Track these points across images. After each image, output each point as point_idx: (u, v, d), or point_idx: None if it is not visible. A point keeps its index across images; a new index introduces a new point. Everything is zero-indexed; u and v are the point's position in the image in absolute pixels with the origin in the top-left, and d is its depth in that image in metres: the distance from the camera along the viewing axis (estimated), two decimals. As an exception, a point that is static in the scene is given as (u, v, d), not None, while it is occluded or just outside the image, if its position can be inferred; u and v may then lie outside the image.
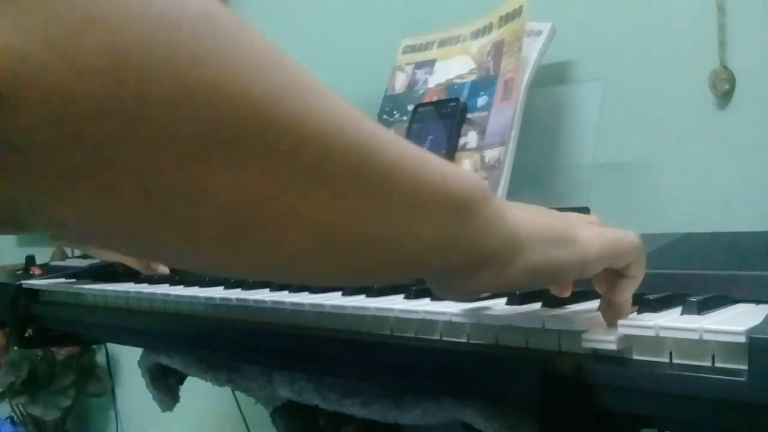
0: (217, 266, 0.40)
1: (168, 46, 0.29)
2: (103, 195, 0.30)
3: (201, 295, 0.82)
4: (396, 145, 0.40)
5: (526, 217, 0.49)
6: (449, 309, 0.59)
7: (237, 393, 1.48)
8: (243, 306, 0.77)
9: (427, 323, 0.61)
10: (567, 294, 0.58)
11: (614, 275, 0.54)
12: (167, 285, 0.96)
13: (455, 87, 1.12)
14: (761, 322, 0.47)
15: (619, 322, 0.50)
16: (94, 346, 2.13)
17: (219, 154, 0.31)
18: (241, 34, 0.33)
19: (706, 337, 0.46)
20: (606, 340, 0.50)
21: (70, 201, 0.30)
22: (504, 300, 0.62)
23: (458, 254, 0.46)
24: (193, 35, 0.30)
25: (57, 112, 0.27)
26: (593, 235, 0.52)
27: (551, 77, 1.12)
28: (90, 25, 0.27)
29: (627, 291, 0.54)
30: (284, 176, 0.34)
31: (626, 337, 0.50)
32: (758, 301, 0.60)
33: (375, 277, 0.50)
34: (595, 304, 0.59)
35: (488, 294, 0.62)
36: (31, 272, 1.27)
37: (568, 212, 0.56)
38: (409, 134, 1.11)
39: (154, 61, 0.29)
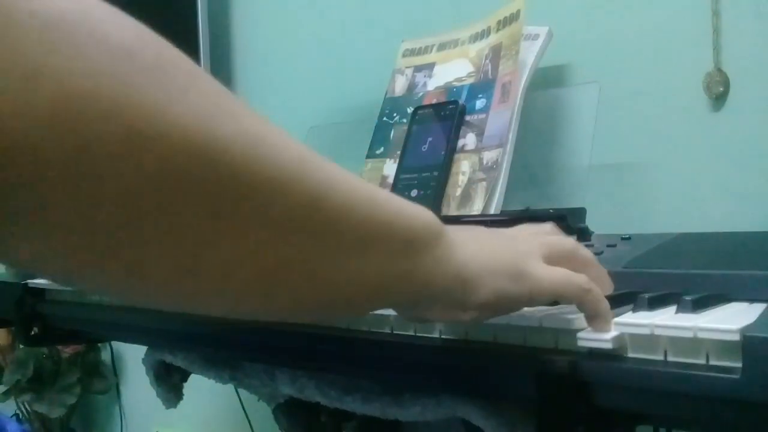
0: (163, 304, 0.39)
1: (113, 98, 0.29)
2: (48, 236, 0.31)
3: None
4: (348, 187, 0.40)
5: (477, 251, 0.50)
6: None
7: (240, 390, 1.48)
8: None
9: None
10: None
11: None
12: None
13: (454, 90, 1.13)
14: (755, 321, 0.48)
15: (615, 320, 0.51)
16: (99, 344, 2.11)
17: (163, 201, 0.32)
18: (193, 84, 0.33)
19: (701, 335, 0.46)
20: (601, 339, 0.51)
21: (21, 238, 0.30)
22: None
23: (408, 293, 0.47)
24: (140, 85, 0.30)
25: (4, 165, 0.27)
26: (544, 273, 0.52)
27: (548, 80, 1.13)
28: (35, 79, 0.27)
29: (597, 323, 0.53)
30: (233, 220, 0.35)
31: (621, 336, 0.51)
32: (752, 300, 0.60)
33: (327, 313, 0.50)
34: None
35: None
36: (36, 271, 1.27)
37: (518, 232, 0.57)
38: (409, 136, 1.12)
39: (97, 112, 0.29)
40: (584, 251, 0.57)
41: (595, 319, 0.52)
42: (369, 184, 0.43)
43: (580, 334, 0.52)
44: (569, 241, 0.57)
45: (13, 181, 0.28)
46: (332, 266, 0.41)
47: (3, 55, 0.27)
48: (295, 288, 0.40)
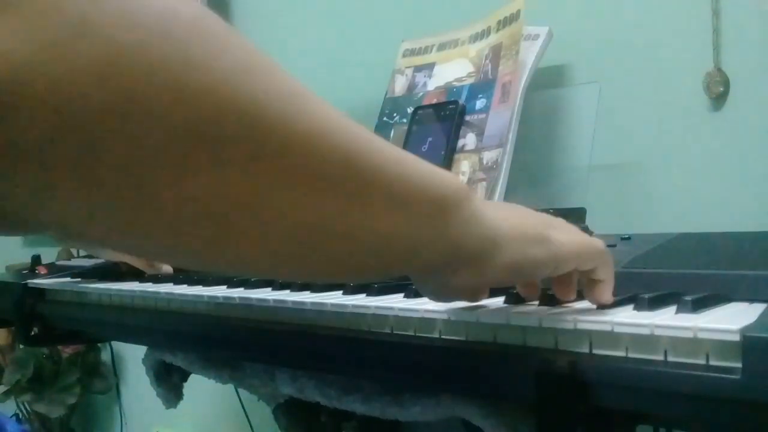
0: (205, 264, 0.41)
1: (159, 52, 0.30)
2: (96, 191, 0.31)
3: (204, 293, 0.82)
4: (378, 146, 0.41)
5: (505, 217, 0.51)
6: (448, 307, 0.60)
7: (240, 390, 1.48)
8: (245, 304, 0.77)
9: (426, 322, 0.61)
10: (535, 293, 0.61)
11: (588, 281, 0.57)
12: (171, 284, 0.96)
13: (454, 90, 1.13)
14: (755, 321, 0.48)
15: (615, 320, 0.51)
16: (99, 345, 2.12)
17: (206, 155, 0.32)
18: (230, 42, 0.34)
19: (701, 335, 0.46)
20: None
21: (67, 196, 0.31)
22: (502, 299, 0.62)
23: (439, 253, 0.47)
24: (185, 42, 0.31)
25: (53, 111, 0.28)
26: (565, 236, 0.54)
27: (548, 80, 1.13)
28: (83, 30, 0.28)
29: (606, 292, 0.57)
30: (268, 178, 0.35)
31: (621, 335, 0.51)
32: (752, 300, 0.60)
33: (357, 275, 0.51)
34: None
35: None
36: (36, 271, 1.27)
37: (541, 213, 0.57)
38: (409, 136, 1.12)
39: (146, 66, 0.30)
40: (611, 259, 0.59)
41: (603, 283, 0.56)
42: (397, 148, 0.44)
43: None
44: (600, 242, 0.58)
45: (62, 126, 0.28)
46: (366, 226, 0.41)
47: (51, 5, 0.28)
48: (329, 248, 0.41)
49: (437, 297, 0.56)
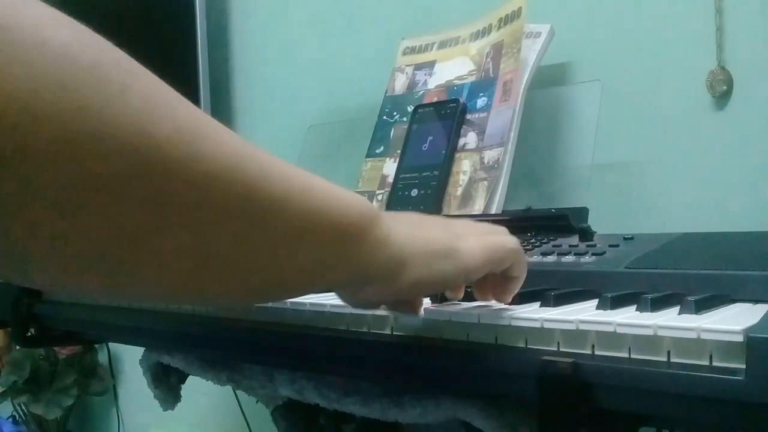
0: (108, 296, 0.41)
1: (52, 101, 0.30)
2: None
3: (202, 294, 0.82)
4: (283, 176, 0.42)
5: (412, 234, 0.53)
6: (448, 309, 0.60)
7: (238, 392, 1.48)
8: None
9: (426, 322, 0.62)
10: (460, 297, 0.63)
11: (501, 279, 0.60)
12: (169, 284, 0.95)
13: (455, 88, 1.12)
14: (759, 322, 0.48)
15: (617, 320, 0.50)
16: (96, 346, 2.12)
17: (100, 196, 0.33)
18: (131, 84, 0.34)
19: (704, 336, 0.46)
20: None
21: None
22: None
23: (344, 274, 0.49)
24: (80, 90, 0.31)
25: None
26: (475, 244, 0.56)
27: (550, 78, 1.13)
28: None
29: (513, 291, 0.61)
30: (168, 216, 0.36)
31: (623, 336, 0.50)
32: (756, 301, 0.60)
33: (264, 297, 0.52)
34: (593, 303, 0.59)
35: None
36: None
37: (455, 221, 0.60)
38: (409, 135, 1.12)
39: (39, 115, 0.30)
40: (524, 255, 0.61)
41: (514, 281, 0.60)
42: (305, 174, 0.45)
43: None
44: (512, 239, 0.60)
45: None
46: (269, 254, 0.43)
47: None
48: (232, 276, 0.42)
49: (353, 306, 0.58)
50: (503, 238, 0.59)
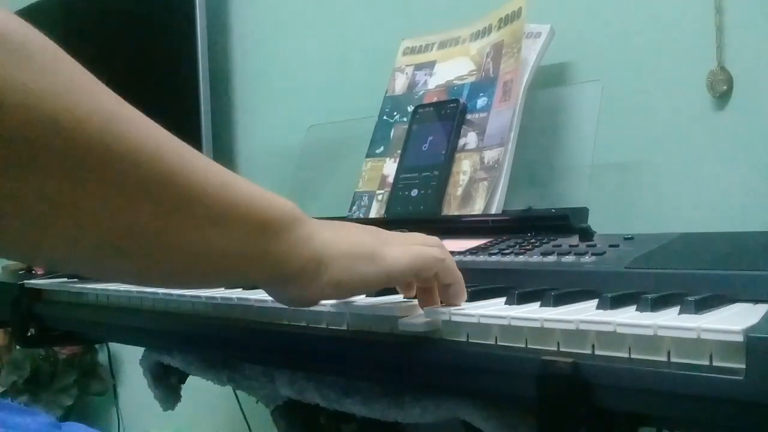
0: (27, 259, 0.47)
1: None
2: None
3: (202, 294, 0.82)
4: (204, 169, 0.46)
5: (335, 237, 0.55)
6: (449, 309, 0.60)
7: (238, 392, 1.48)
8: (244, 305, 0.77)
9: (426, 322, 0.62)
10: (411, 294, 0.66)
11: (442, 288, 0.62)
12: (169, 284, 0.95)
13: (455, 88, 1.12)
14: (759, 321, 0.48)
15: (617, 320, 0.50)
16: (96, 346, 2.12)
17: (21, 164, 0.36)
18: (55, 66, 0.38)
19: (704, 336, 0.46)
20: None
21: None
22: (503, 300, 0.62)
23: (262, 270, 0.52)
24: (6, 66, 0.35)
25: None
26: (400, 251, 0.58)
27: (550, 78, 1.13)
28: None
29: (457, 294, 0.62)
30: (87, 186, 0.39)
31: (624, 336, 0.50)
32: (756, 301, 0.60)
33: (181, 282, 0.55)
34: (593, 303, 0.59)
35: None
36: (33, 272, 1.27)
37: (389, 231, 0.62)
38: (409, 135, 1.12)
39: None
40: (451, 263, 0.62)
41: (450, 287, 0.61)
42: (228, 172, 0.48)
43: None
44: (438, 250, 0.62)
45: None
46: (185, 238, 0.45)
47: None
48: (148, 253, 0.45)
49: (287, 305, 0.61)
50: (429, 249, 0.61)
